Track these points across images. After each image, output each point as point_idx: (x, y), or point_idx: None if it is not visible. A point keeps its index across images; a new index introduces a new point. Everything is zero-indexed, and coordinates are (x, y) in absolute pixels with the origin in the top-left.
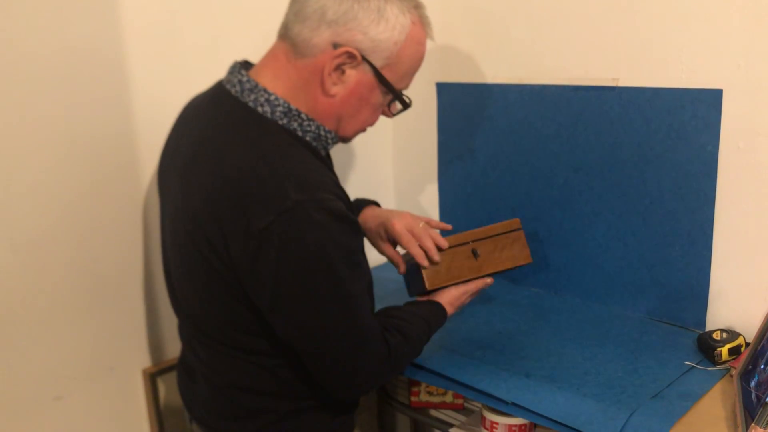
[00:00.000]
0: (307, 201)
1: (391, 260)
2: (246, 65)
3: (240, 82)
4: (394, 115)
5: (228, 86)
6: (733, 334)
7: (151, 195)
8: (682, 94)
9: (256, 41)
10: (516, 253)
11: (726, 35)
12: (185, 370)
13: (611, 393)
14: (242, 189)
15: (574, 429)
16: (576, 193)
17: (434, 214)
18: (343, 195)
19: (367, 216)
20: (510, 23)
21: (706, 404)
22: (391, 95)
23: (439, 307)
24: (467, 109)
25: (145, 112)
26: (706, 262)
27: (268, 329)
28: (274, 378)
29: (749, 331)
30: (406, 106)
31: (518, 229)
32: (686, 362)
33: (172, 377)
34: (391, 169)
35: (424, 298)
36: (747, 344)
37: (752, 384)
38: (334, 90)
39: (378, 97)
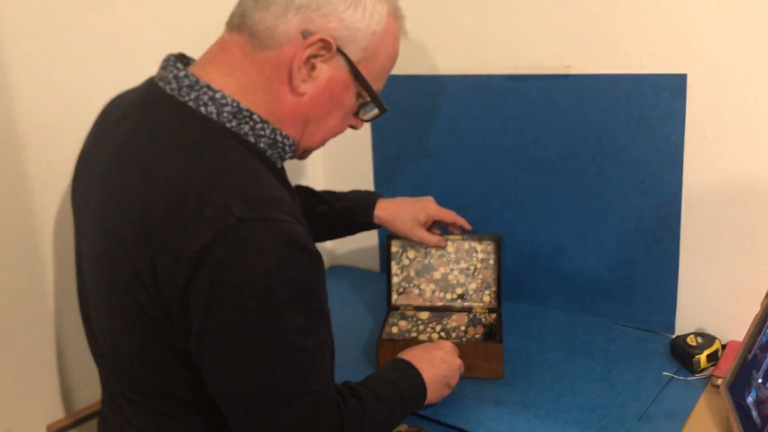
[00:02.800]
0: (254, 220)
1: (436, 245)
2: (184, 59)
3: (176, 78)
4: (364, 122)
5: (161, 83)
6: (708, 339)
7: (45, 209)
8: (643, 81)
9: (173, 32)
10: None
11: (689, 15)
12: None
13: (593, 417)
14: (175, 204)
15: None
16: (528, 192)
17: None
18: (303, 220)
19: (395, 205)
20: (449, 8)
21: (697, 423)
22: (363, 98)
23: (404, 365)
24: (404, 104)
25: (30, 109)
26: (673, 261)
27: None
28: None
29: (722, 332)
30: (382, 110)
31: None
32: (664, 372)
33: (89, 429)
34: (321, 171)
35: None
36: (723, 347)
37: (749, 400)
38: (303, 87)
39: (351, 98)
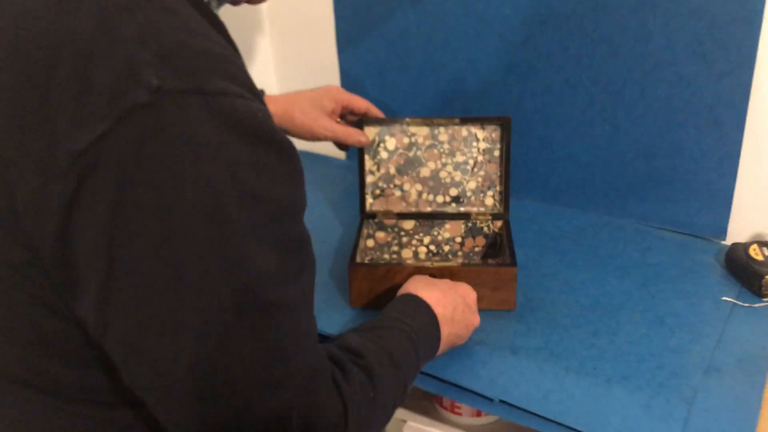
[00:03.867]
0: (182, 93)
1: (356, 142)
2: None
3: None
4: None
5: None
6: None
7: None
8: None
9: None
10: (504, 297)
11: None
12: None
13: (645, 371)
14: (48, 69)
15: None
16: (543, 56)
17: None
18: (258, 92)
19: (286, 96)
20: None
21: None
22: None
23: (427, 316)
24: None
25: None
26: (734, 148)
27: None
28: None
29: None
30: None
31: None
32: (723, 298)
33: None
34: (267, 33)
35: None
36: None
37: None
38: None
39: None
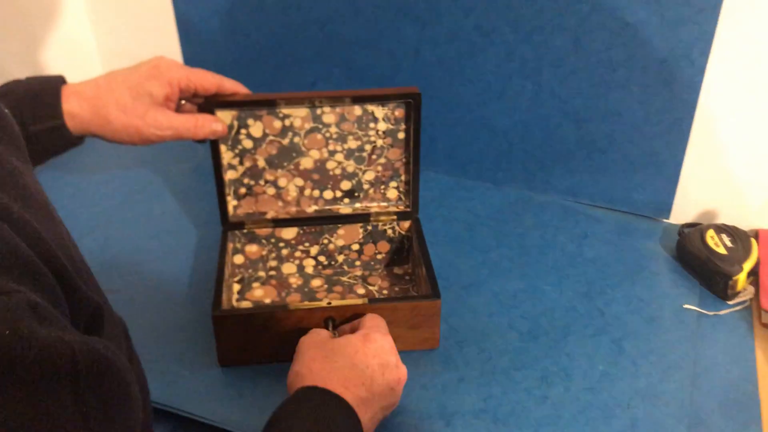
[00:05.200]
0: None
1: (210, 134)
2: None
3: None
4: None
5: None
6: (738, 236)
7: None
8: None
9: None
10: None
11: None
12: None
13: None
14: None
15: None
16: None
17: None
18: None
19: (96, 85)
20: None
21: None
22: None
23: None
24: None
25: None
26: (687, 111)
27: None
28: None
29: (746, 218)
30: None
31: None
32: (685, 305)
33: None
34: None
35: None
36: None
37: None
38: None
39: None
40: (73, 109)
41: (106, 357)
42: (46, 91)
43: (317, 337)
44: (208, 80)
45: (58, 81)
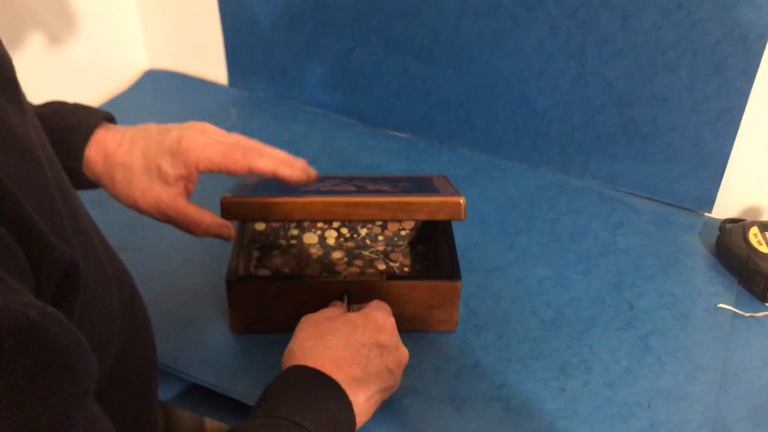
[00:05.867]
0: None
1: (217, 233)
2: None
3: None
4: None
5: None
6: None
7: None
8: None
9: None
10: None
11: None
12: None
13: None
14: None
15: None
16: None
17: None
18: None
19: (115, 146)
20: None
21: None
22: None
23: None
24: None
25: None
26: (739, 100)
27: None
28: None
29: None
30: None
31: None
32: (719, 304)
33: None
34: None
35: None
36: None
37: None
38: None
39: None
40: (91, 157)
41: (35, 323)
42: (79, 129)
43: (320, 314)
44: (238, 164)
45: (97, 120)
